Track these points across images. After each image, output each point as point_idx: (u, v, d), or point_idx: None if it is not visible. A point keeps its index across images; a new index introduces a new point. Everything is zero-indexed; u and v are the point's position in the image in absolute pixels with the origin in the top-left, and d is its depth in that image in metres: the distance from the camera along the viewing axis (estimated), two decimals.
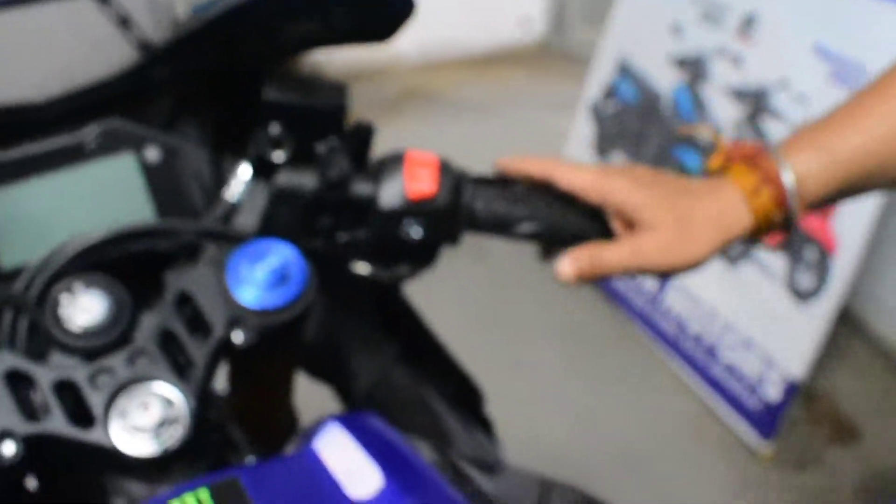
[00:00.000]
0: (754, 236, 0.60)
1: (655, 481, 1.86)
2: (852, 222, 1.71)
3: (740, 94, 1.99)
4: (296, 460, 0.43)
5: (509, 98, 3.71)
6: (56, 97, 0.73)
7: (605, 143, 2.45)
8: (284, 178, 0.59)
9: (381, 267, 0.63)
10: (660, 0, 2.25)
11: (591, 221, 0.61)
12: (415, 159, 0.58)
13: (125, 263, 0.67)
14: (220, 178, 0.79)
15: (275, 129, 0.60)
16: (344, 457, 0.41)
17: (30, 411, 0.51)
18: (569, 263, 0.59)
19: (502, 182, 0.62)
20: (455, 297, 2.37)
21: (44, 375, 0.52)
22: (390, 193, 0.58)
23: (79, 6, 0.78)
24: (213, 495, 0.47)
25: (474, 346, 2.17)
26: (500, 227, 0.61)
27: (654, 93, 2.28)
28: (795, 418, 1.97)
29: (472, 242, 0.64)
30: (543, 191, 0.61)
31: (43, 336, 0.54)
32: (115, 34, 0.78)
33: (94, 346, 0.53)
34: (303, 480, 0.46)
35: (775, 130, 1.89)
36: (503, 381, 2.08)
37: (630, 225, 0.60)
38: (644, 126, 2.31)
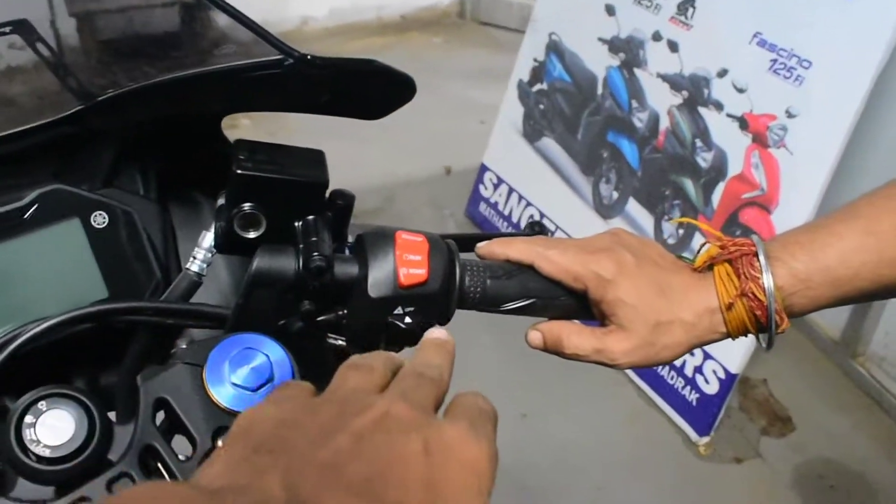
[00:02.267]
0: (730, 338, 0.60)
1: (595, 479, 1.92)
2: (796, 212, 1.78)
3: (676, 81, 2.03)
4: None
5: (428, 68, 3.67)
6: None
7: (535, 126, 2.46)
8: (263, 262, 0.57)
9: (361, 346, 0.62)
10: None
11: (577, 300, 0.61)
12: (405, 243, 0.58)
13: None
14: (170, 234, 0.76)
15: (248, 205, 0.58)
16: None
17: None
18: (537, 335, 0.62)
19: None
20: None
21: None
22: (380, 280, 0.57)
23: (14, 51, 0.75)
24: None
25: None
26: (491, 304, 0.61)
27: (586, 75, 2.30)
28: (731, 408, 2.06)
29: None
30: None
31: (6, 464, 0.51)
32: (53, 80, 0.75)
33: (68, 475, 0.51)
34: None
35: (713, 119, 1.94)
36: None
37: (605, 316, 0.60)
38: (576, 110, 2.34)
